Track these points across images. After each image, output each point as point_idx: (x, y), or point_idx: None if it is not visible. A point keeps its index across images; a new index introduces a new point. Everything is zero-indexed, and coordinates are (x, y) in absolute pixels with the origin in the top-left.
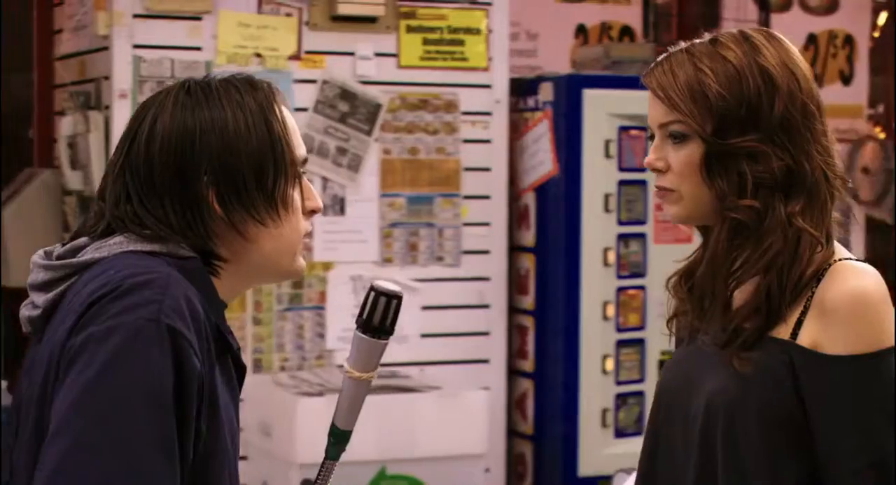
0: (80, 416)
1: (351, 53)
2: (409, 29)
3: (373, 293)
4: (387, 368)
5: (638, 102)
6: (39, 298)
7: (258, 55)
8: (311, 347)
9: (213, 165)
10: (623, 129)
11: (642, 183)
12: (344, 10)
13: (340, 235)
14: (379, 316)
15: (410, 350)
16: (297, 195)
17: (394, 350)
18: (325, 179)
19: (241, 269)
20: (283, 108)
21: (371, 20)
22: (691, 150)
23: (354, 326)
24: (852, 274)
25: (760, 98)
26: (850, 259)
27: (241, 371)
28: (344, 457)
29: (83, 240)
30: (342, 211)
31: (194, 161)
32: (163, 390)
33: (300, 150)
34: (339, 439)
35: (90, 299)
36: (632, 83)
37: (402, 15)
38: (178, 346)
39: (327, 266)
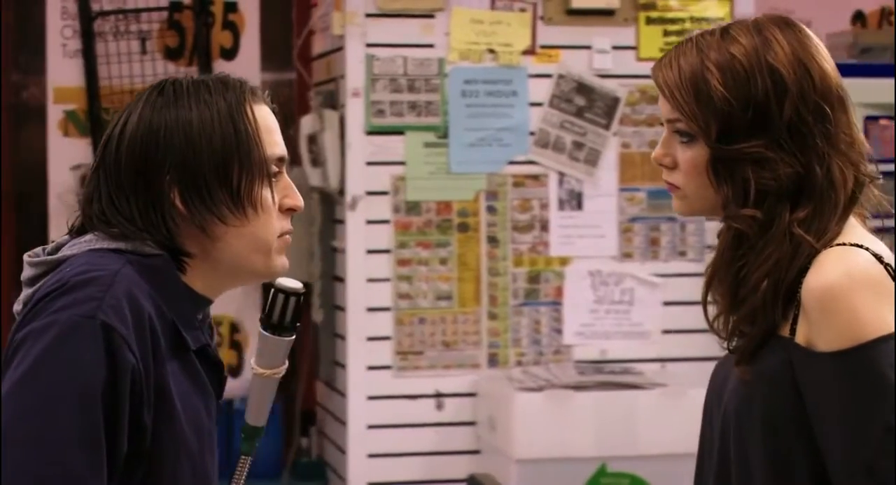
0: (7, 410)
1: (587, 47)
2: (649, 20)
3: (273, 291)
4: (624, 363)
5: (887, 91)
6: (23, 294)
7: (491, 51)
8: (548, 342)
9: (176, 164)
10: (870, 118)
11: (892, 175)
12: (579, 3)
13: (577, 229)
14: (278, 313)
15: (652, 346)
16: (267, 194)
17: (634, 346)
18: (560, 174)
19: (214, 266)
20: (260, 108)
21: (608, 13)
22: (697, 151)
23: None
24: (828, 264)
25: (768, 101)
26: (844, 244)
27: (215, 368)
28: (562, 453)
29: (64, 238)
30: (579, 206)
31: (158, 159)
32: (89, 386)
33: (274, 148)
34: (249, 434)
35: (38, 296)
36: (880, 71)
37: (640, 6)
38: (112, 342)
39: (564, 261)
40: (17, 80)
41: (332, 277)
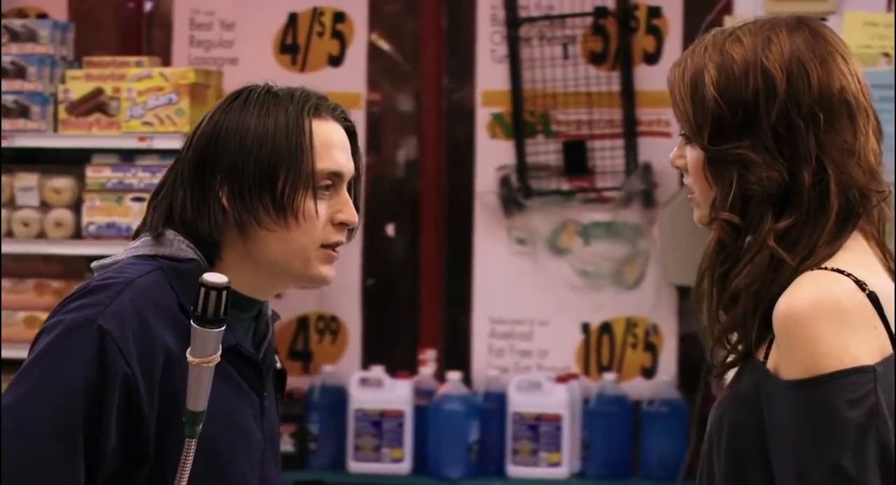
0: (5, 398)
1: None
2: None
3: (200, 287)
4: None
5: None
6: None
7: (886, 55)
8: None
9: (227, 165)
10: None
11: None
12: None
13: None
14: (202, 307)
15: None
16: (310, 205)
17: None
18: None
19: (256, 266)
20: (322, 123)
21: None
22: (696, 151)
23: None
24: (799, 288)
25: (757, 101)
26: (825, 268)
27: (253, 367)
28: None
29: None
30: None
31: (213, 158)
32: (74, 384)
33: (327, 162)
34: (189, 419)
35: (66, 296)
36: None
37: None
38: (105, 347)
39: None
40: (449, 84)
41: None
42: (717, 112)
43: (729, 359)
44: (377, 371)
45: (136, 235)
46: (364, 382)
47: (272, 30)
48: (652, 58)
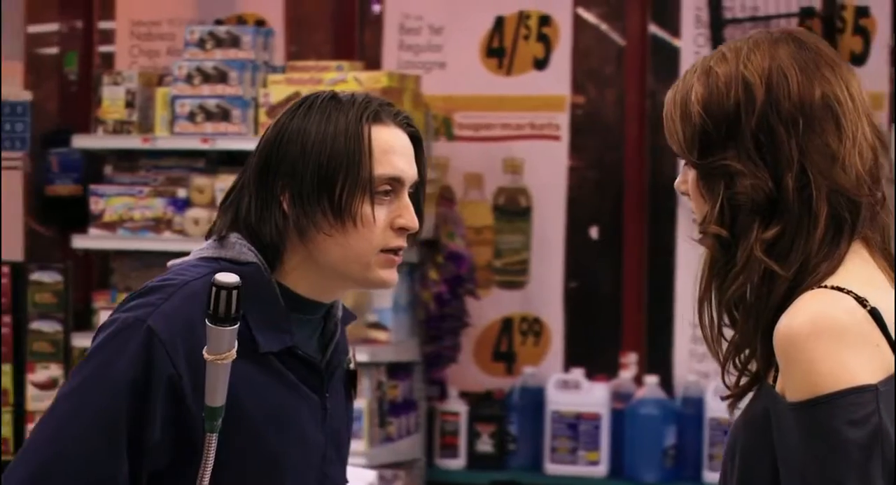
0: (62, 390)
1: None
2: None
3: (212, 287)
4: None
5: None
6: None
7: None
8: None
9: (288, 171)
10: None
11: None
12: None
13: None
14: (213, 305)
15: None
16: (368, 210)
17: None
18: None
19: (317, 269)
20: (382, 129)
21: None
22: (691, 173)
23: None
24: (797, 308)
25: (738, 111)
26: (826, 286)
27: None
28: None
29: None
30: None
31: (276, 163)
32: (119, 381)
33: (386, 168)
34: (209, 415)
35: (128, 294)
36: None
37: None
38: (152, 347)
39: None
40: (653, 86)
41: None
42: (702, 127)
43: (741, 382)
44: (576, 374)
45: (208, 236)
46: (562, 384)
47: (479, 33)
48: (859, 59)
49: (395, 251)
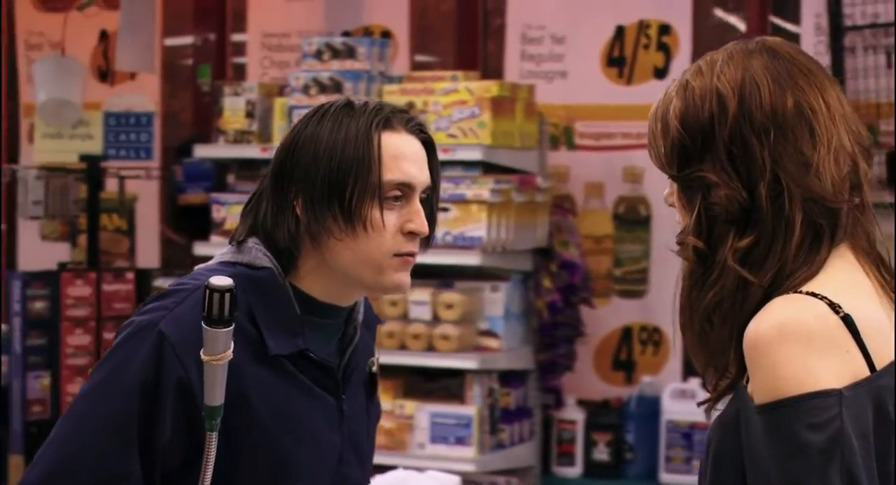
0: (81, 390)
1: None
2: None
3: (206, 290)
4: None
5: None
6: None
7: None
8: None
9: (301, 177)
10: None
11: None
12: None
13: None
14: (207, 308)
15: None
16: (377, 215)
17: None
18: None
19: (331, 273)
20: (393, 135)
21: None
22: (673, 186)
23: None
24: (766, 312)
25: (712, 122)
26: (799, 292)
27: (326, 372)
28: None
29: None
30: None
31: (289, 169)
32: (130, 382)
33: (395, 174)
34: (209, 414)
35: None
36: None
37: None
38: (162, 349)
39: None
40: None
41: None
42: (679, 141)
43: (720, 386)
44: (693, 383)
45: (230, 241)
46: (678, 393)
47: (600, 43)
48: None
49: (408, 256)
